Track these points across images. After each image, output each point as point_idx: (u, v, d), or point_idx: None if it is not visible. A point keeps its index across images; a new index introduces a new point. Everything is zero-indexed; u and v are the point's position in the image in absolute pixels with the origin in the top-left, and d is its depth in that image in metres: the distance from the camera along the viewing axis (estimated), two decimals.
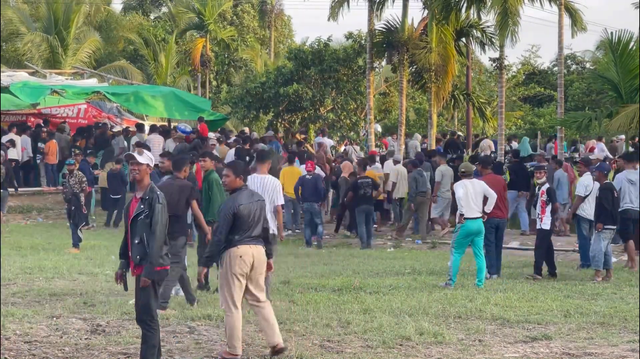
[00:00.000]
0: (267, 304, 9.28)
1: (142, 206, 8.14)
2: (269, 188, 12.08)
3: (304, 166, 21.62)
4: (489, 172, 15.82)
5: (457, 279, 14.21)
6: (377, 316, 11.16)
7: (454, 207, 19.03)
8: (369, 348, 9.51)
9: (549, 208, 15.20)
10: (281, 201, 12.34)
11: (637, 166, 16.55)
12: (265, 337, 9.25)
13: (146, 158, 8.30)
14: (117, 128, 29.21)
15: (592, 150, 28.65)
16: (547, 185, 15.57)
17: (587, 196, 16.14)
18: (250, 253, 9.10)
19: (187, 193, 12.13)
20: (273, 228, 11.77)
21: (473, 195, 14.10)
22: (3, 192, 22.64)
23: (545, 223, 15.31)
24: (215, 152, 22.62)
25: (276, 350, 9.09)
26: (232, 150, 24.31)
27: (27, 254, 16.83)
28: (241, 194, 9.22)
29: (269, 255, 9.42)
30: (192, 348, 9.44)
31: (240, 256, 9.03)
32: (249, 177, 11.58)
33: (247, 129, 33.11)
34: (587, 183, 16.19)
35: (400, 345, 9.66)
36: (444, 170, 21.66)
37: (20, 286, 13.37)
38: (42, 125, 29.47)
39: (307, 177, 20.75)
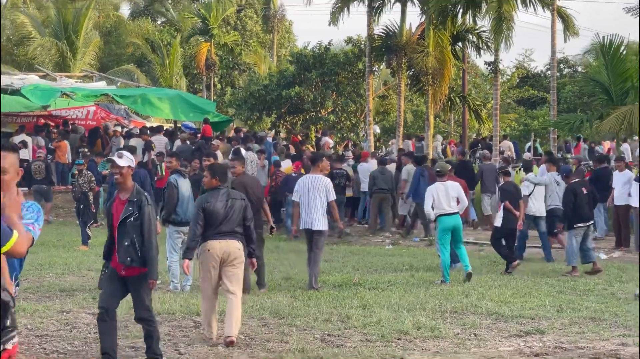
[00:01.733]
0: (235, 296, 9.38)
1: (130, 208, 8.01)
2: (320, 186, 13.03)
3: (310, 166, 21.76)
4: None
5: (453, 275, 14.24)
6: (376, 311, 11.17)
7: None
8: (368, 342, 9.51)
9: (501, 206, 15.92)
10: (332, 197, 13.16)
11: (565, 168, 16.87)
12: (224, 326, 9.40)
13: (126, 160, 8.13)
14: (117, 129, 29.21)
15: (609, 151, 28.63)
16: (501, 185, 16.52)
17: (530, 194, 16.98)
18: (219, 247, 9.37)
19: (260, 188, 13.48)
20: (324, 222, 12.98)
21: (444, 195, 14.25)
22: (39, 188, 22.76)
23: (497, 221, 16.08)
24: (218, 151, 22.68)
25: (227, 341, 9.22)
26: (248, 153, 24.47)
27: (38, 251, 16.82)
28: (213, 193, 9.60)
29: (250, 254, 9.65)
30: (196, 342, 9.45)
31: (209, 250, 9.38)
32: (301, 177, 13.65)
33: (243, 129, 33.05)
34: (527, 183, 16.64)
35: (399, 339, 9.66)
36: (410, 169, 21.75)
37: (31, 282, 13.38)
38: (62, 126, 29.52)
39: (293, 175, 20.81)
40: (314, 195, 13.04)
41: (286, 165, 23.29)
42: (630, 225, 19.11)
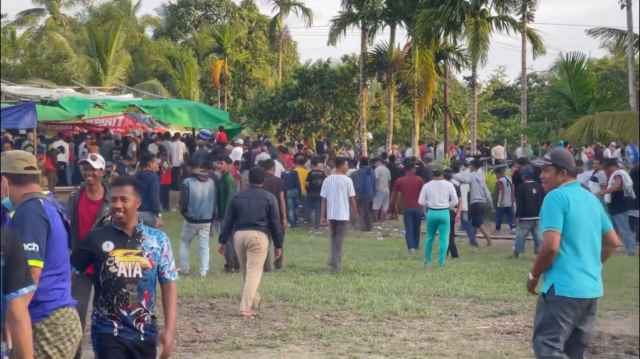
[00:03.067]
0: (250, 276, 9.86)
1: (107, 208, 7.25)
2: (343, 184, 13.78)
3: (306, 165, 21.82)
4: (412, 172, 16.99)
5: (441, 265, 14.26)
6: (369, 294, 11.16)
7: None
8: (362, 321, 9.51)
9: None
10: (352, 193, 13.86)
11: (480, 170, 16.89)
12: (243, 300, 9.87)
13: (99, 163, 7.71)
14: (130, 135, 29.11)
15: (590, 155, 28.51)
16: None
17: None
18: (242, 236, 10.02)
19: (281, 187, 14.38)
20: (346, 214, 13.69)
21: (437, 192, 14.57)
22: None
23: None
24: (232, 154, 22.67)
25: (239, 313, 9.74)
26: (239, 149, 24.75)
27: None
28: (246, 191, 10.52)
29: (277, 243, 10.19)
30: (212, 321, 9.44)
31: (235, 239, 10.11)
32: (327, 177, 14.58)
33: (250, 136, 33.01)
34: (454, 182, 16.64)
35: (388, 319, 9.65)
36: (381, 169, 21.76)
37: None
38: (102, 133, 29.51)
39: (287, 172, 20.87)
40: (338, 191, 13.74)
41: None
42: None
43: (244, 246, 10.00)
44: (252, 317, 9.60)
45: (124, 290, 4.93)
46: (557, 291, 5.73)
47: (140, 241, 5.04)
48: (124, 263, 4.96)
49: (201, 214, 12.80)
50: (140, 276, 4.95)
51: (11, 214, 4.65)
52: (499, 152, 30.91)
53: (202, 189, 12.88)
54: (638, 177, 17.85)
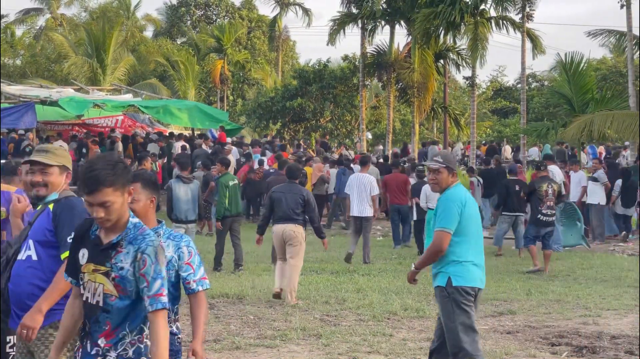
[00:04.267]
0: (290, 264, 10.59)
1: None
2: (366, 183, 14.50)
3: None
4: (398, 170, 17.50)
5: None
6: (369, 294, 11.16)
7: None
8: (362, 321, 9.51)
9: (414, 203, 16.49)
10: (376, 192, 14.59)
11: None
12: (277, 281, 10.67)
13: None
14: (116, 135, 29.11)
15: (601, 154, 28.56)
16: (412, 184, 17.12)
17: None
18: (280, 229, 10.72)
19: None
20: (370, 210, 14.37)
21: (431, 191, 14.54)
22: None
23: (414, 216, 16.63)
24: (231, 154, 22.69)
25: (275, 293, 10.56)
26: (235, 149, 25.11)
27: None
28: (282, 186, 11.08)
29: (318, 235, 11.13)
30: (212, 321, 9.44)
31: (273, 232, 10.82)
32: (352, 175, 15.34)
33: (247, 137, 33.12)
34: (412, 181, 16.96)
35: (388, 319, 9.65)
36: (370, 169, 21.81)
37: None
38: (111, 133, 29.56)
39: (271, 170, 21.02)
40: (362, 189, 14.42)
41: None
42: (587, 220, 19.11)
43: (283, 240, 10.70)
44: (298, 303, 10.35)
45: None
46: (454, 282, 6.16)
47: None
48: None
49: (185, 215, 12.93)
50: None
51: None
52: (506, 152, 30.93)
53: (185, 191, 12.93)
54: (627, 175, 18.07)
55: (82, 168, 3.74)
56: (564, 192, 16.21)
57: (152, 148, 25.51)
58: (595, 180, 18.24)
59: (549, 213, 13.86)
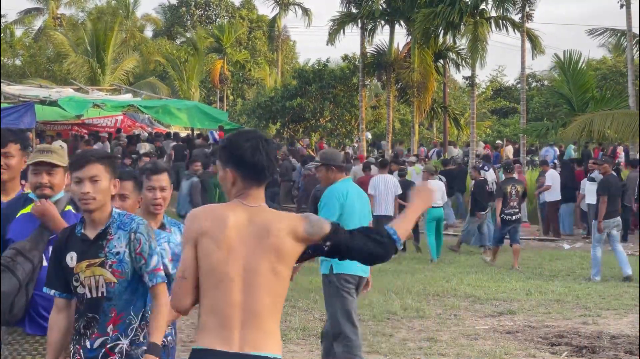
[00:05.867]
0: None
1: None
2: (390, 184, 15.04)
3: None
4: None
5: (434, 264, 14.30)
6: (368, 294, 11.11)
7: None
8: (361, 321, 9.46)
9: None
10: (399, 192, 14.98)
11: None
12: None
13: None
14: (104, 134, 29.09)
15: (617, 155, 28.58)
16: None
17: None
18: None
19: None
20: (393, 210, 14.77)
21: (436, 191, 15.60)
22: None
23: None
24: None
25: None
26: None
27: None
28: (320, 185, 11.95)
29: None
30: None
31: None
32: (375, 176, 15.59)
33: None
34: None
35: (388, 319, 9.65)
36: (356, 170, 21.97)
37: None
38: (115, 132, 29.54)
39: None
40: (387, 190, 14.94)
41: None
42: (558, 218, 19.77)
43: None
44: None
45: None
46: (335, 270, 6.72)
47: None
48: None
49: (179, 210, 13.35)
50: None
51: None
52: (509, 152, 30.87)
53: (180, 186, 13.50)
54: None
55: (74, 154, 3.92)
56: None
57: (143, 148, 25.47)
58: (593, 180, 18.26)
59: (512, 212, 14.65)
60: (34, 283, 4.29)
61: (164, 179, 4.69)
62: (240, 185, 3.29)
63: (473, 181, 17.43)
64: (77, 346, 3.83)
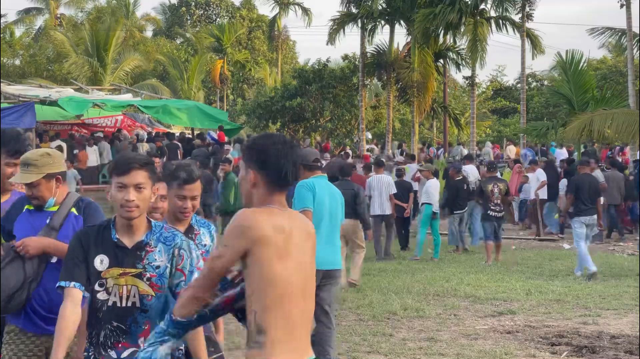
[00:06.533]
0: (357, 254, 11.98)
1: None
2: (385, 183, 15.41)
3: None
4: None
5: (434, 263, 14.28)
6: (368, 294, 11.15)
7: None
8: (361, 321, 9.50)
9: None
10: (394, 191, 15.44)
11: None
12: (352, 271, 11.83)
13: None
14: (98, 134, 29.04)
15: (625, 153, 28.59)
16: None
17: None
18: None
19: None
20: (390, 208, 15.29)
21: (432, 189, 15.86)
22: None
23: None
24: (229, 154, 22.70)
25: (350, 282, 11.64)
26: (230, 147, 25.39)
27: None
28: (341, 183, 11.80)
29: (365, 227, 12.26)
30: None
31: None
32: (370, 177, 16.02)
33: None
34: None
35: (388, 319, 9.65)
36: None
37: None
38: (117, 133, 29.53)
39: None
40: (382, 189, 15.23)
41: None
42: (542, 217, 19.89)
43: (347, 232, 11.62)
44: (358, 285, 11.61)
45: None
46: None
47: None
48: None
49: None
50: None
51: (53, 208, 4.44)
52: (511, 152, 30.81)
53: None
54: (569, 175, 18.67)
55: (115, 157, 3.83)
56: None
57: (141, 148, 25.44)
58: None
59: (496, 209, 15.16)
60: (36, 282, 4.31)
61: (196, 188, 4.52)
62: (262, 189, 3.24)
63: (446, 180, 17.81)
64: (98, 356, 3.66)
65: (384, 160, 19.22)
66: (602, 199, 15.48)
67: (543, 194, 19.55)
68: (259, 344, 3.14)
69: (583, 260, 13.27)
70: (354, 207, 11.69)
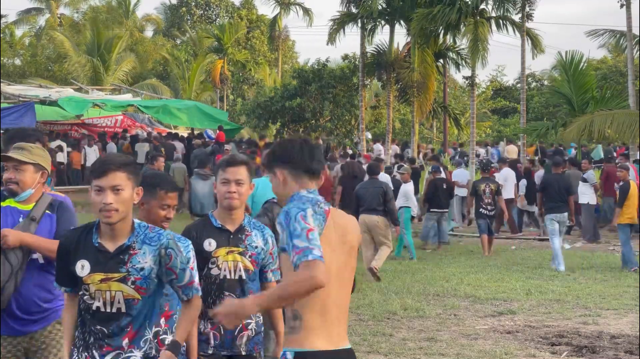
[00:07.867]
0: (383, 247, 12.43)
1: None
2: (383, 180, 15.53)
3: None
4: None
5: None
6: (368, 294, 11.15)
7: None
8: (362, 321, 9.50)
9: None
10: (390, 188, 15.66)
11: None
12: (376, 260, 12.24)
13: None
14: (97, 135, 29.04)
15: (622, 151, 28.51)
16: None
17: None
18: (364, 219, 12.27)
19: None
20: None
21: (411, 192, 16.10)
22: None
23: None
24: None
25: (371, 268, 12.12)
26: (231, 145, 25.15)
27: None
28: (366, 182, 12.99)
29: (393, 222, 12.73)
30: None
31: (359, 221, 11.59)
32: (363, 182, 15.70)
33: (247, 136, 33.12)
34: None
35: (388, 319, 9.65)
36: (338, 168, 22.05)
37: None
38: (119, 133, 29.54)
39: None
40: (375, 192, 14.90)
41: None
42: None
43: (367, 228, 12.27)
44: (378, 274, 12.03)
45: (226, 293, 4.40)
46: None
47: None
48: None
49: (201, 209, 13.36)
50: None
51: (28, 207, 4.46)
52: (512, 152, 30.73)
53: (201, 186, 13.36)
54: (529, 175, 19.12)
55: (96, 160, 3.79)
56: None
57: (140, 148, 25.45)
58: (585, 180, 18.31)
59: (488, 208, 16.00)
60: (22, 271, 4.34)
61: (240, 172, 4.39)
62: (293, 184, 3.34)
63: (426, 179, 18.03)
64: (84, 355, 3.67)
65: (383, 159, 19.25)
66: (575, 197, 15.85)
67: (587, 198, 18.64)
68: (294, 330, 3.24)
69: (555, 256, 13.93)
70: (383, 204, 12.25)
